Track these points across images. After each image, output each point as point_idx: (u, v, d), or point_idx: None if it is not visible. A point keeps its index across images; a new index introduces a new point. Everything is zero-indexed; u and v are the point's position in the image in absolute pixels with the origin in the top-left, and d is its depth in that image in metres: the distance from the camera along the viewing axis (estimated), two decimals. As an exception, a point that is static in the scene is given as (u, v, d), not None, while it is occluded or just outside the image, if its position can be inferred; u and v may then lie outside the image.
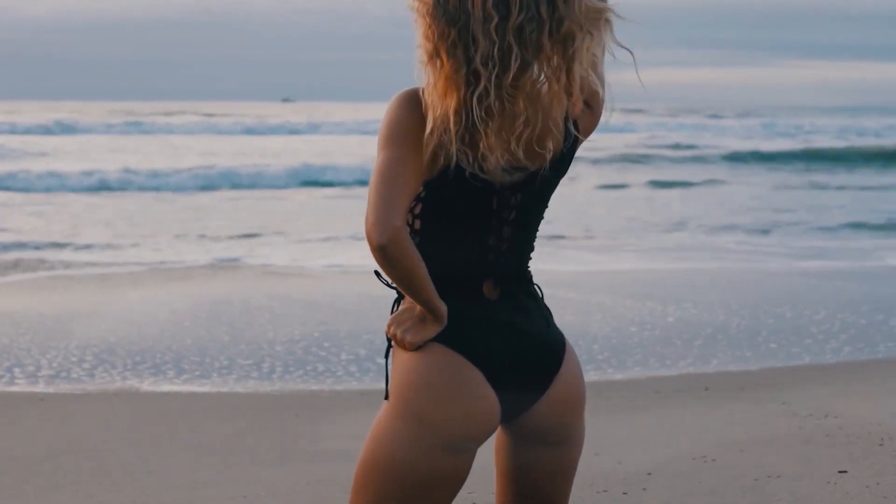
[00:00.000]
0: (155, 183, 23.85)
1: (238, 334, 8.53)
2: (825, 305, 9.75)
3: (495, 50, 2.64)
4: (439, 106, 2.69)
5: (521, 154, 2.72)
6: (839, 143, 39.34)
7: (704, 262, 13.38)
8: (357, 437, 5.65)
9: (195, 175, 24.90)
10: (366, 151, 34.15)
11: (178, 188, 23.45)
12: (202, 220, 17.72)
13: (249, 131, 46.40)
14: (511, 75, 2.65)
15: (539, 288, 2.93)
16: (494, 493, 3.04)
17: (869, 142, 40.12)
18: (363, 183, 24.67)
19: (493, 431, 2.82)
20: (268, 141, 41.55)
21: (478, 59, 2.65)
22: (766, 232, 16.87)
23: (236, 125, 48.41)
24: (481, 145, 2.69)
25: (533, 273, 2.91)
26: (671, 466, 4.89)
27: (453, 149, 2.69)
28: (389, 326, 2.82)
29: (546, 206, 2.90)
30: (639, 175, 28.53)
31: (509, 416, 2.83)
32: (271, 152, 34.34)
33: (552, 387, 2.83)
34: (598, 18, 2.71)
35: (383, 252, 2.67)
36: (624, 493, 4.49)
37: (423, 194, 2.82)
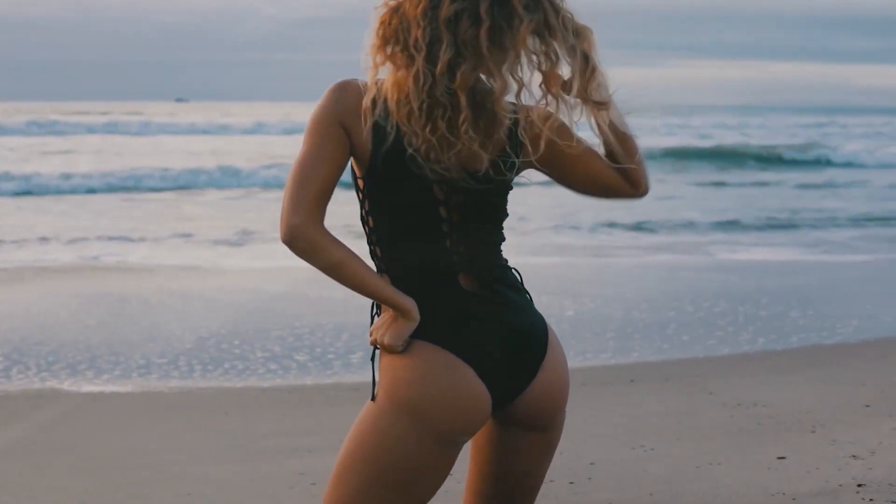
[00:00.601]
0: (52, 183, 23.34)
1: (144, 332, 8.44)
2: (723, 298, 9.91)
3: (420, 34, 2.67)
4: (388, 87, 2.73)
5: (456, 154, 2.73)
6: (729, 142, 39.90)
7: (589, 258, 13.53)
8: (294, 434, 5.65)
9: (89, 175, 24.40)
10: (270, 151, 33.90)
11: (74, 190, 23.00)
12: (95, 221, 17.46)
13: (148, 131, 45.59)
14: (441, 66, 2.66)
15: (518, 273, 2.95)
16: (467, 476, 3.05)
17: (757, 140, 40.71)
18: (266, 184, 24.44)
19: (483, 424, 2.86)
20: (167, 141, 40.96)
21: (411, 42, 2.69)
22: (647, 229, 17.01)
23: (135, 125, 47.52)
24: (424, 134, 2.71)
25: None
26: (613, 456, 4.93)
27: (392, 130, 2.71)
28: (371, 334, 2.84)
29: (501, 203, 2.89)
30: (530, 174, 28.65)
31: (498, 406, 2.86)
32: (171, 152, 33.87)
33: (539, 374, 2.88)
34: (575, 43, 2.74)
35: (291, 248, 2.76)
36: (571, 483, 4.52)
37: (364, 189, 2.85)
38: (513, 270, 2.95)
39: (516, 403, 2.88)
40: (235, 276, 11.69)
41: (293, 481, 4.69)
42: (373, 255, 2.92)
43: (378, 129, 2.76)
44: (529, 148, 2.83)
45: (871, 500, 4.04)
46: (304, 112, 66.39)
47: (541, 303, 9.52)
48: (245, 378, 7.20)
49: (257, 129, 46.69)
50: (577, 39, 2.72)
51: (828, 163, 32.99)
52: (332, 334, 8.41)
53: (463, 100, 2.67)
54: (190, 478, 4.81)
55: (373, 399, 2.85)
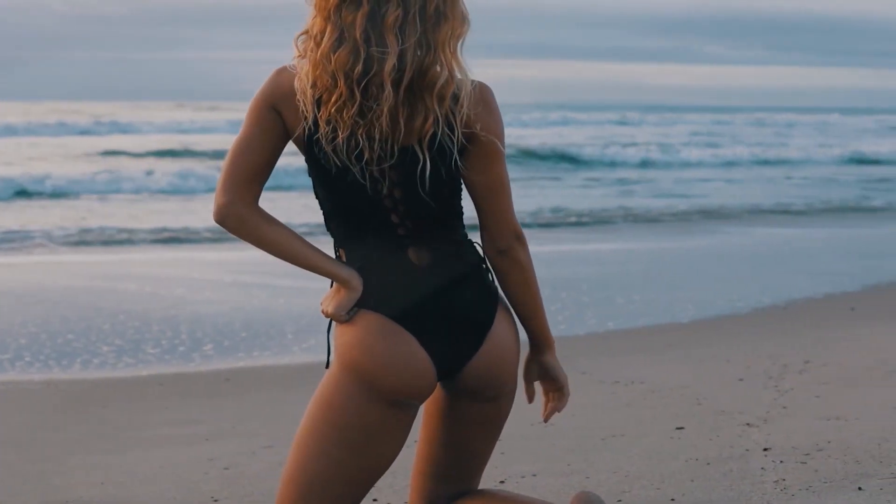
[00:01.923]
0: None
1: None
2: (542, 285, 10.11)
3: (318, 22, 2.78)
4: (301, 75, 2.81)
5: (380, 129, 2.80)
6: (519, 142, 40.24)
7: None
8: (181, 423, 5.62)
9: None
10: (56, 152, 32.91)
11: None
12: None
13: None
14: (323, 49, 2.77)
15: (480, 247, 3.02)
16: (417, 443, 3.12)
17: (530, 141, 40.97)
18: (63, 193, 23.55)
19: (431, 390, 2.95)
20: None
21: (313, 31, 2.79)
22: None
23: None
24: (324, 118, 2.79)
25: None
26: (515, 432, 5.00)
27: (309, 110, 2.79)
28: (321, 305, 2.92)
29: (443, 179, 2.91)
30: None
31: (445, 375, 2.95)
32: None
33: (483, 346, 2.96)
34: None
35: (223, 226, 2.86)
36: (486, 458, 4.59)
37: (308, 170, 2.94)
38: (474, 245, 3.03)
39: (462, 374, 2.97)
40: (17, 271, 11.52)
41: (206, 467, 4.66)
42: (329, 231, 2.99)
43: (302, 113, 2.84)
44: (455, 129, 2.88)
45: (780, 461, 4.24)
46: (108, 110, 64.44)
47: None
48: (109, 370, 7.10)
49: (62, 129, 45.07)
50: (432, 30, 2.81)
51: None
52: (170, 326, 8.37)
53: (341, 81, 2.76)
54: (97, 467, 4.74)
55: (327, 366, 2.98)
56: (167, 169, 25.49)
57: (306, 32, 2.82)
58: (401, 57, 2.75)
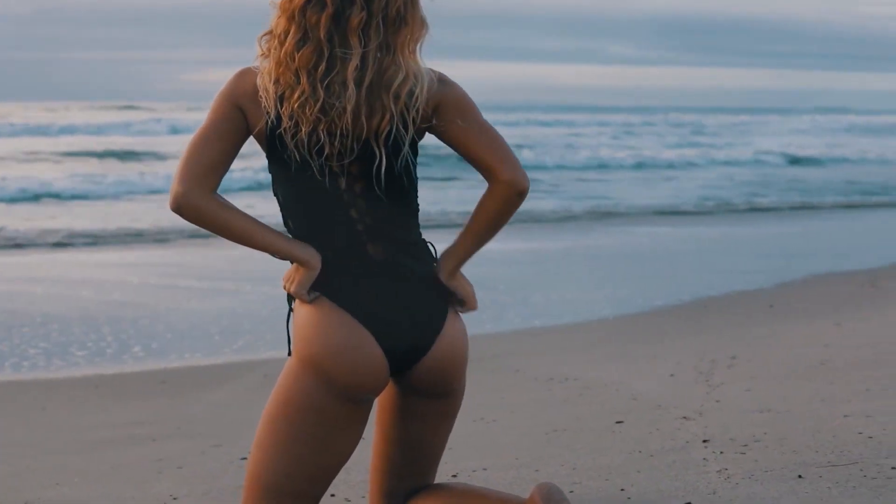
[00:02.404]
0: None
1: None
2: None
3: (282, 22, 2.90)
4: (264, 73, 2.93)
5: (342, 126, 2.91)
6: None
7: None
8: (124, 424, 5.65)
9: None
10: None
11: None
12: None
13: None
14: (287, 48, 2.89)
15: (433, 246, 3.15)
16: (373, 440, 3.23)
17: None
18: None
19: (384, 385, 3.06)
20: None
21: (277, 30, 2.92)
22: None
23: None
24: (287, 113, 2.90)
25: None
26: (462, 430, 5.12)
27: (271, 106, 2.90)
28: (283, 283, 3.03)
29: (399, 174, 3.04)
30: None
31: (398, 372, 3.06)
32: None
33: (435, 344, 3.08)
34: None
35: (180, 215, 2.94)
36: (434, 454, 4.69)
37: (269, 167, 3.04)
38: (428, 245, 3.14)
39: (415, 370, 3.08)
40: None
41: (159, 467, 4.71)
42: (286, 227, 3.09)
43: (265, 111, 2.94)
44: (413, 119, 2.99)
45: (721, 452, 4.40)
46: (13, 109, 63.12)
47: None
48: (42, 372, 7.07)
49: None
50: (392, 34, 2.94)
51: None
52: (91, 328, 8.39)
53: (304, 78, 2.87)
54: (49, 469, 4.77)
55: (289, 354, 3.07)
56: (77, 170, 25.24)
57: (270, 32, 2.93)
58: (363, 58, 2.87)
